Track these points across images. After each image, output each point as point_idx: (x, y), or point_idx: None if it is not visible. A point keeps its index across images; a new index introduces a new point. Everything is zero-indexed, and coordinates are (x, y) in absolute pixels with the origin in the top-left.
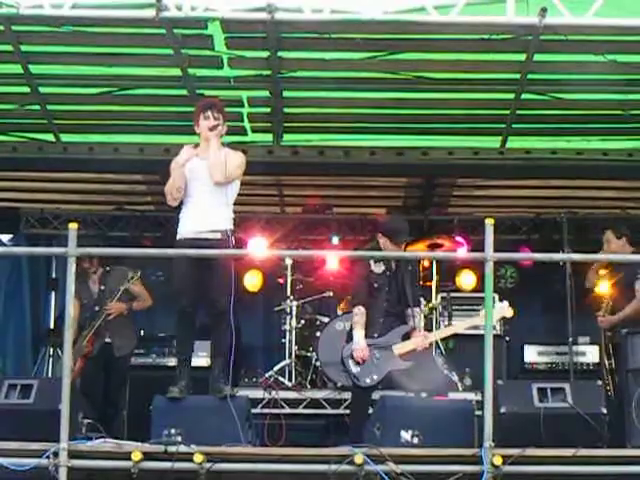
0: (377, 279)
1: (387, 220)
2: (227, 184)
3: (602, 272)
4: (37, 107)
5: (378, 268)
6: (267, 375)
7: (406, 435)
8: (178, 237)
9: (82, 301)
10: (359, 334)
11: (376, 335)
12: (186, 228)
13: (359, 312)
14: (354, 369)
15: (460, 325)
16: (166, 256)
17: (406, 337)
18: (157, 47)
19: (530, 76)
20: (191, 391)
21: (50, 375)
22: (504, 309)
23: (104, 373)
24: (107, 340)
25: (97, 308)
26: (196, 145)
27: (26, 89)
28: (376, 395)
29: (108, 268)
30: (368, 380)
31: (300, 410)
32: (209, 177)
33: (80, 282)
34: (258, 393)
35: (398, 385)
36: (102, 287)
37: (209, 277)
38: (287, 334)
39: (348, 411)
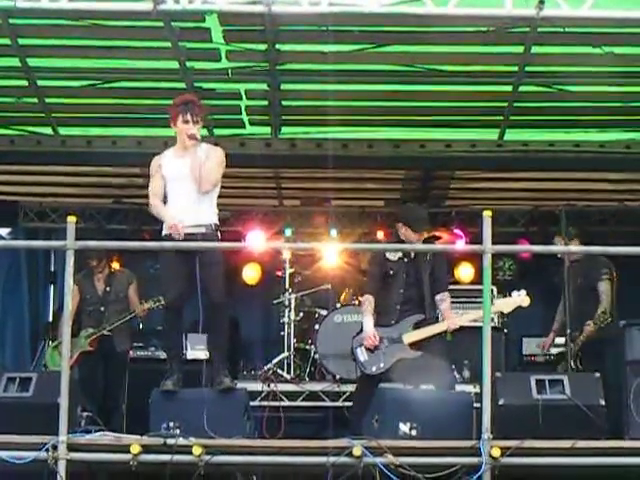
0: (392, 266)
1: (406, 209)
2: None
3: None
4: (35, 100)
5: (394, 255)
6: (266, 368)
7: (404, 427)
8: (163, 233)
9: (83, 294)
10: (368, 322)
11: (393, 322)
12: (172, 223)
13: (367, 300)
14: (362, 357)
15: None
16: (164, 249)
17: (417, 326)
18: (155, 40)
19: (528, 68)
20: (181, 383)
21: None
22: (522, 298)
23: (103, 365)
24: (106, 333)
25: (102, 309)
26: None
27: (24, 82)
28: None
29: (114, 270)
30: (374, 368)
31: (299, 403)
32: (188, 175)
33: (84, 276)
34: (257, 386)
35: (402, 377)
36: (107, 289)
37: (200, 271)
38: (286, 327)
39: (347, 404)
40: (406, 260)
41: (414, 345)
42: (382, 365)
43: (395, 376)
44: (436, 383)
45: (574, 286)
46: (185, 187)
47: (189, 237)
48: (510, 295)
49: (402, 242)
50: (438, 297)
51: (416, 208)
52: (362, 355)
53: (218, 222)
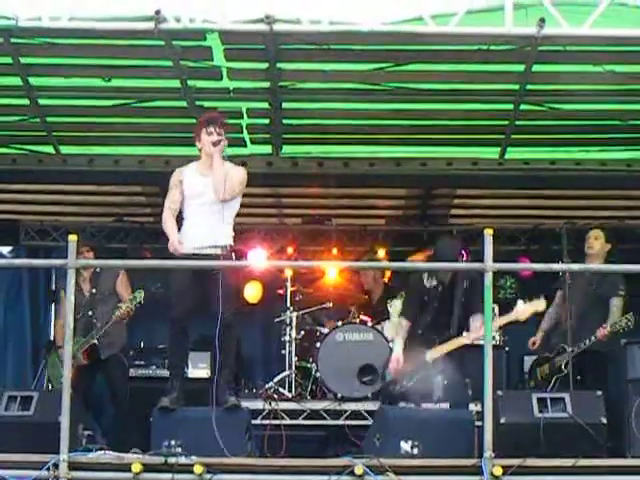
0: (428, 293)
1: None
2: (230, 200)
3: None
4: (37, 119)
5: (429, 283)
6: (267, 386)
7: (406, 446)
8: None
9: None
10: (397, 346)
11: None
12: (186, 244)
13: (401, 325)
14: (388, 377)
15: (505, 318)
16: (166, 267)
17: (441, 342)
18: (156, 59)
19: (529, 87)
20: (182, 402)
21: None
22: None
23: (97, 377)
24: (94, 341)
25: (91, 313)
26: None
27: (25, 101)
28: (374, 406)
29: (98, 269)
30: (398, 386)
31: (300, 421)
32: (211, 194)
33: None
34: (258, 404)
35: (418, 396)
36: (94, 290)
37: (212, 291)
38: (287, 345)
39: (348, 422)
40: (440, 289)
41: (437, 360)
42: (404, 383)
43: (412, 395)
44: (450, 400)
45: (583, 292)
46: (205, 207)
47: (204, 258)
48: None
49: None
50: (471, 318)
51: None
52: (388, 375)
53: (233, 243)
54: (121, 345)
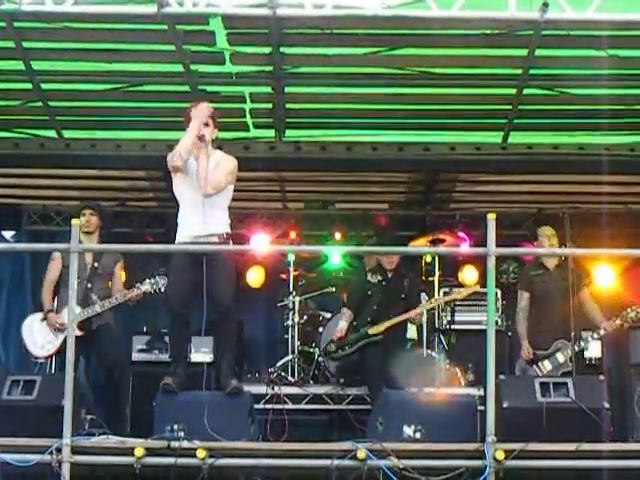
0: (371, 288)
1: None
2: (214, 194)
3: None
4: (39, 104)
5: (374, 278)
6: (270, 371)
7: (409, 430)
8: (177, 241)
9: (64, 262)
10: (343, 323)
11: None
12: (184, 232)
13: (346, 312)
14: (331, 344)
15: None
16: (169, 252)
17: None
18: (159, 43)
19: (532, 71)
20: (183, 386)
21: (52, 371)
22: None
23: (87, 348)
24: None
25: (90, 285)
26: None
27: (28, 85)
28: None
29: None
30: (338, 350)
31: (303, 405)
32: (196, 182)
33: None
34: (261, 389)
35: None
36: (95, 264)
37: (212, 276)
38: (290, 330)
39: (351, 407)
40: (384, 283)
41: (380, 334)
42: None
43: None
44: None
45: (557, 288)
46: (197, 196)
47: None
48: None
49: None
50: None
51: None
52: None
53: (230, 231)
54: (108, 320)
